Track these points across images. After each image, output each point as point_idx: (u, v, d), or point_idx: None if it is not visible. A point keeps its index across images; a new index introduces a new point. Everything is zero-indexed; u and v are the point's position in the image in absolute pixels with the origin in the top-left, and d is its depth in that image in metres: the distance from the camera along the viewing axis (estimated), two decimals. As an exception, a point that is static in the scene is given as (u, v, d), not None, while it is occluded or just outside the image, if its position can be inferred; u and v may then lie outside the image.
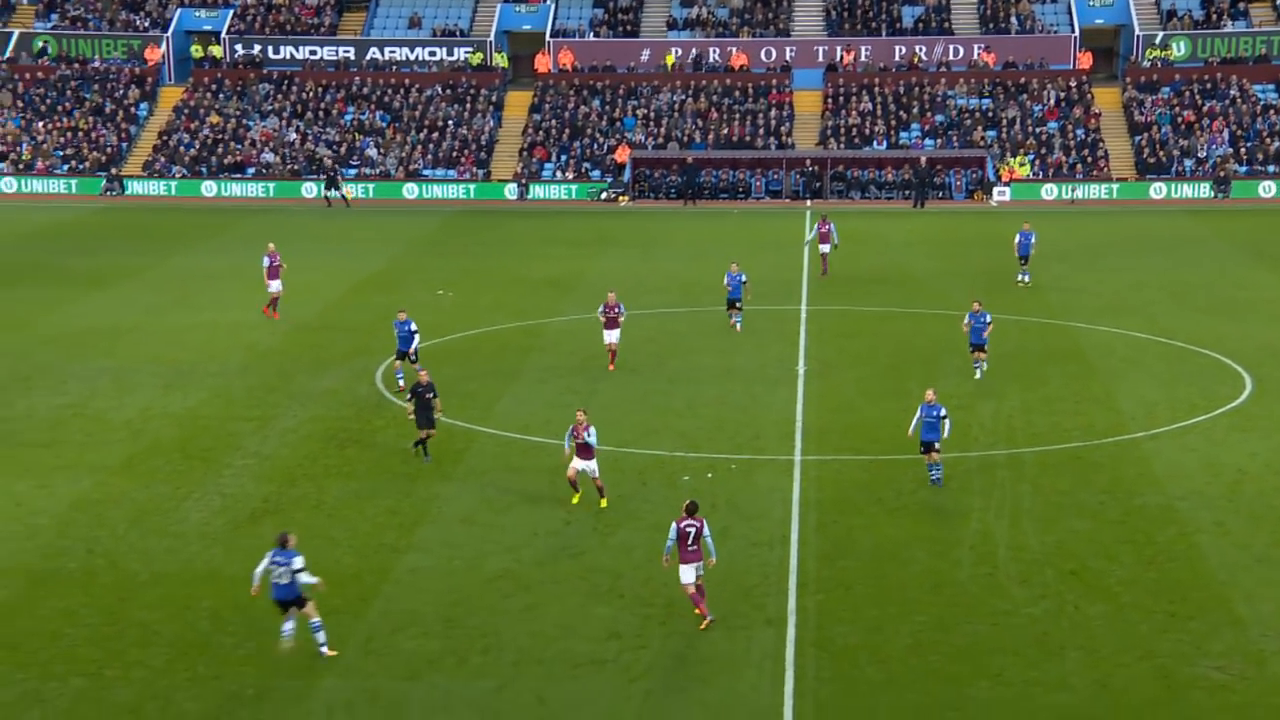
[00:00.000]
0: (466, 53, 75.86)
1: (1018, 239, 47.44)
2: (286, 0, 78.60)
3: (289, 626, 21.16)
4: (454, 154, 70.94)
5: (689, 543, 22.22)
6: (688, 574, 22.33)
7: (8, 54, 75.65)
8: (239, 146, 71.47)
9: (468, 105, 73.63)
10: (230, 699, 20.07)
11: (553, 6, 77.45)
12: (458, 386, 35.17)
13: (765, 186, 69.38)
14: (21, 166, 70.17)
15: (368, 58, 75.98)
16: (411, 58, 76.03)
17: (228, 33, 76.63)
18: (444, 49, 76.12)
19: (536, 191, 68.69)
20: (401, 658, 21.32)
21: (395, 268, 51.41)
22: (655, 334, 40.95)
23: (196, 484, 28.41)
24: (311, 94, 74.28)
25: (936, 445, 27.88)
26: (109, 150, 71.04)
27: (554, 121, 72.44)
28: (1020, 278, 47.21)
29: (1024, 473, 29.05)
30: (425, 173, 70.20)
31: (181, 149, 71.14)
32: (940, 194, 68.29)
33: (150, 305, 44.49)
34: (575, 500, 27.21)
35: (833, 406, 33.47)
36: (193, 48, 76.57)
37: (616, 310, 36.47)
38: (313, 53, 76.18)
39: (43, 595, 23.20)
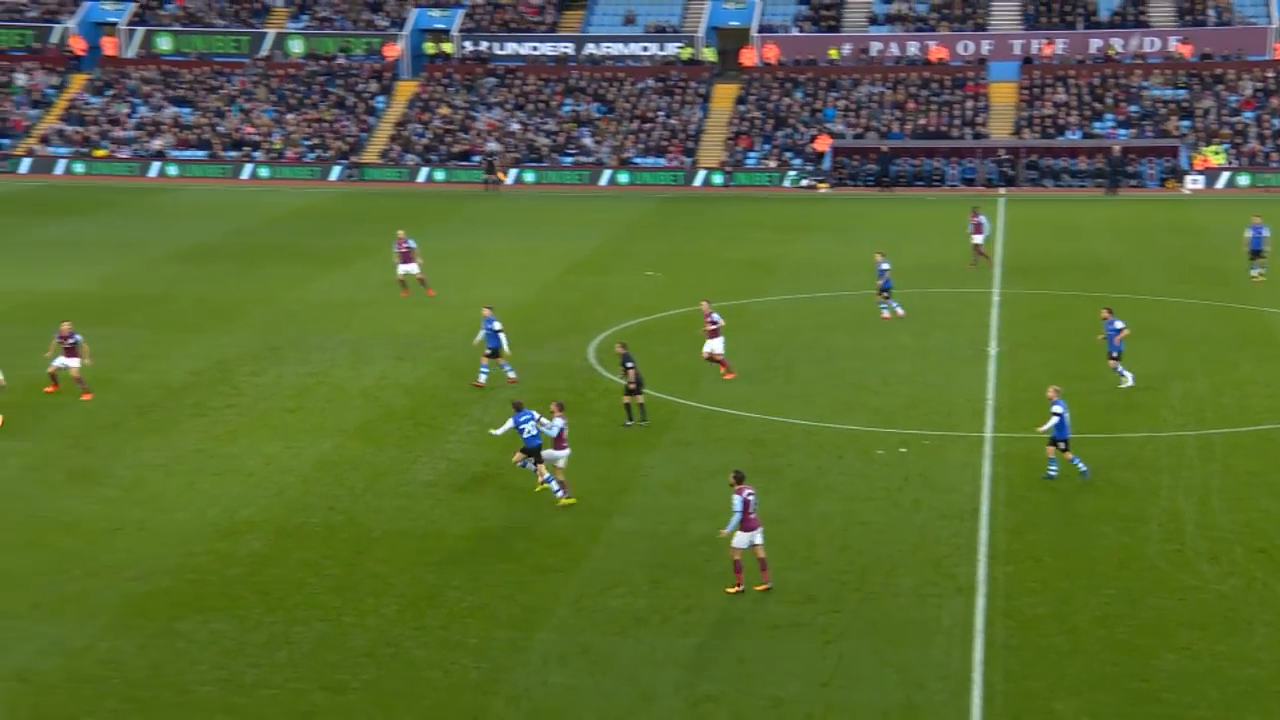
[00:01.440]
0: (677, 48, 75.97)
1: (1248, 233, 43.90)
2: (512, 0, 79.64)
3: (533, 465, 25.39)
4: (663, 143, 71.14)
5: (750, 511, 21.86)
6: (744, 540, 21.86)
7: (263, 52, 78.07)
8: (466, 136, 72.71)
9: (677, 97, 73.76)
10: (454, 648, 20.48)
11: (759, 3, 77.08)
12: (664, 362, 35.29)
13: (960, 174, 68.15)
14: (273, 155, 72.42)
15: (585, 53, 76.62)
16: (626, 53, 76.41)
17: (458, 31, 77.96)
18: (656, 44, 76.35)
19: (740, 178, 68.55)
20: (610, 615, 21.50)
21: (606, 250, 51.79)
22: (851, 314, 40.54)
23: (424, 449, 29.02)
24: (533, 87, 75.18)
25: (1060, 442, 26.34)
26: (350, 140, 72.88)
27: (758, 112, 72.17)
28: (1254, 272, 43.77)
29: (1213, 453, 28.07)
30: (635, 160, 70.53)
31: (414, 138, 72.64)
32: (1133, 182, 66.23)
33: (384, 283, 45.53)
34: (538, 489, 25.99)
35: (1023, 386, 32.75)
36: (426, 45, 78.09)
37: (712, 320, 33.50)
38: (534, 49, 77.10)
39: (290, 547, 23.96)
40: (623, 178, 69.45)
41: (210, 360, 35.58)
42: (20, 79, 76.64)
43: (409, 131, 73.16)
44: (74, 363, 32.30)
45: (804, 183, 67.87)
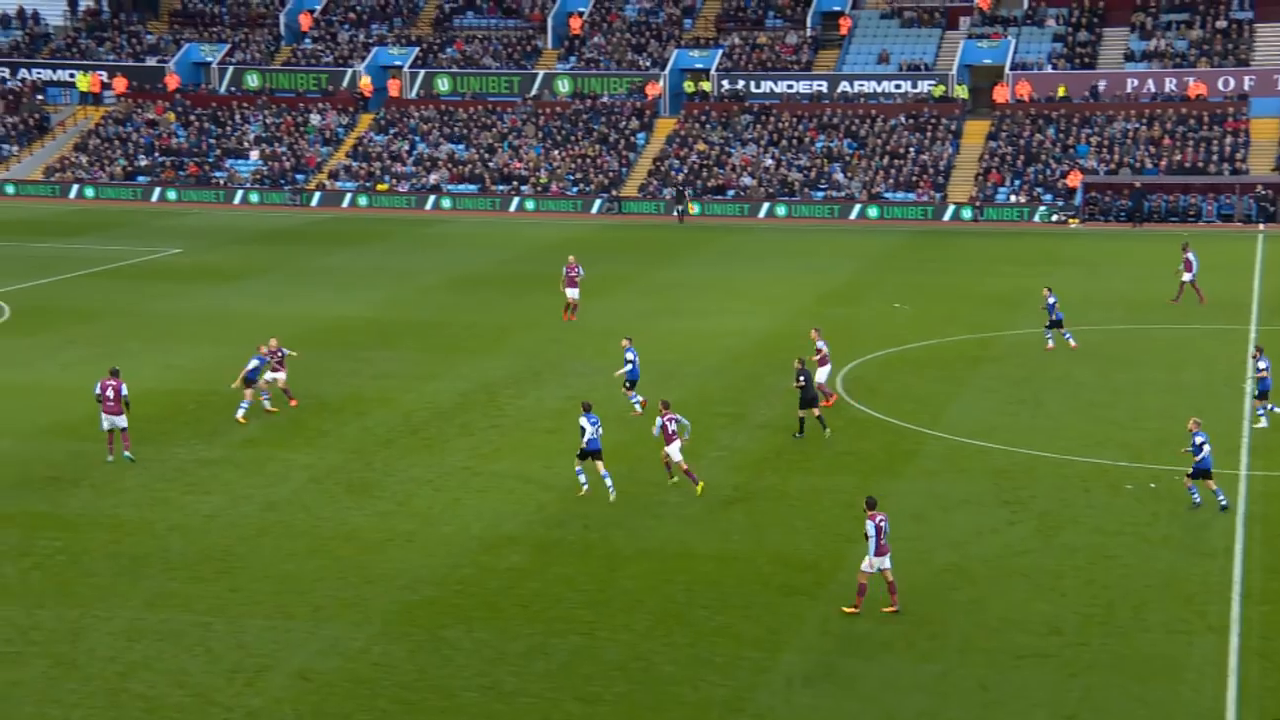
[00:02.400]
0: (930, 85, 74.97)
1: None
2: (769, 41, 79.87)
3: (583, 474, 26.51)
4: (913, 178, 70.22)
5: (881, 537, 21.51)
6: (874, 564, 21.58)
7: (533, 92, 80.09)
8: (721, 171, 73.10)
9: (928, 133, 72.74)
10: (702, 665, 20.49)
11: (1013, 42, 75.53)
12: (911, 392, 34.75)
13: (1216, 210, 65.35)
14: (539, 189, 74.12)
15: (839, 91, 76.26)
16: (879, 90, 75.76)
17: (716, 70, 78.54)
18: (909, 82, 75.49)
19: (990, 213, 67.17)
20: (855, 639, 21.21)
21: (856, 282, 51.32)
22: (1100, 348, 39.25)
23: (676, 471, 29.14)
24: (786, 124, 75.16)
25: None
26: (610, 174, 74.07)
27: (1009, 148, 70.61)
28: None
29: None
30: (886, 195, 69.78)
31: (672, 173, 73.39)
32: (1399, 218, 62.45)
33: (641, 311, 46.04)
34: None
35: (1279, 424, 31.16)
36: (685, 84, 78.88)
37: (819, 348, 32.91)
38: (789, 87, 77.10)
39: (548, 562, 24.36)
40: (872, 212, 68.79)
41: (477, 382, 36.51)
42: (314, 119, 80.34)
43: (666, 166, 73.96)
44: (281, 375, 33.74)
45: (1054, 218, 66.08)
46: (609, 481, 27.12)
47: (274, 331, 40.43)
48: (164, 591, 23.04)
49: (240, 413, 32.59)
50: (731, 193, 71.88)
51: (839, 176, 71.26)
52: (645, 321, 44.13)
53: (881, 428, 32.04)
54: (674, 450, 27.54)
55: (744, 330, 42.46)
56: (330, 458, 30.11)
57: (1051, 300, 38.96)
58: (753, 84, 77.50)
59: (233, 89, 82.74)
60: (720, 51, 79.36)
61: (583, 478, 27.48)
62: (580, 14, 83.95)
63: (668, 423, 27.48)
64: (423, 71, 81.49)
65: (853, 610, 21.81)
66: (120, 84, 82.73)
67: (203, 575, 23.73)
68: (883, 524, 21.74)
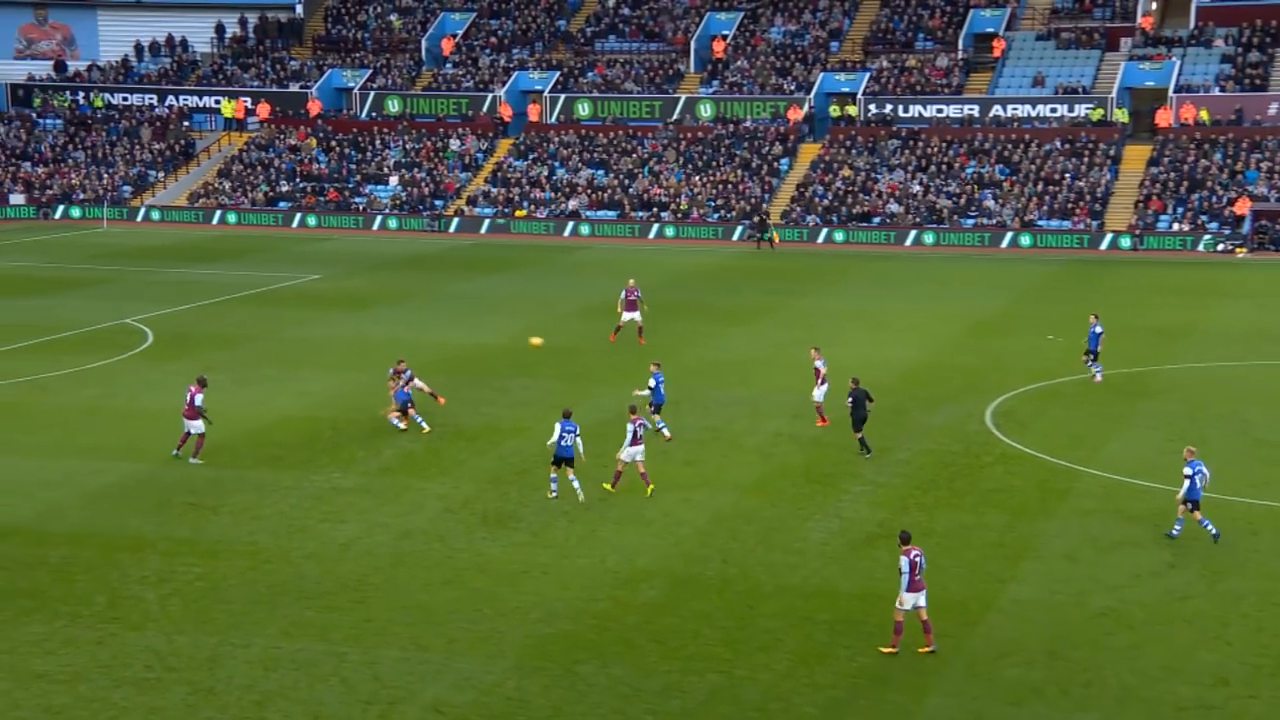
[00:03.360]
0: (1087, 109, 73.74)
1: None
2: (919, 63, 79.32)
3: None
4: (1069, 205, 69.04)
5: (916, 573, 21.47)
6: (909, 601, 21.55)
7: (674, 117, 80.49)
8: (867, 197, 72.66)
9: (1085, 159, 71.50)
10: (844, 708, 20.27)
11: (1178, 63, 74.00)
12: (1064, 427, 34.11)
13: (1395, 238, 63.19)
14: (680, 215, 74.38)
15: (991, 115, 75.38)
16: (1033, 114, 74.74)
17: (863, 94, 78.18)
18: (1065, 105, 74.33)
19: (1150, 242, 65.73)
20: (1005, 684, 20.82)
21: (1007, 313, 50.56)
22: (1270, 385, 38.10)
23: (818, 506, 28.98)
24: (935, 149, 74.48)
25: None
26: (753, 200, 74.05)
27: (1172, 174, 69.09)
28: None
29: None
30: (1039, 223, 68.71)
31: (816, 199, 73.15)
32: None
33: (781, 340, 45.88)
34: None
35: None
36: (831, 108, 78.65)
37: (817, 368, 34.40)
38: (939, 111, 76.43)
39: (685, 597, 24.33)
40: (1025, 240, 67.77)
41: (614, 412, 36.60)
42: (454, 144, 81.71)
43: (810, 193, 73.73)
44: (420, 385, 35.26)
45: (1220, 247, 64.44)
46: (578, 485, 28.91)
47: (411, 358, 41.01)
48: (299, 620, 23.48)
49: (399, 424, 33.89)
50: (877, 220, 71.38)
51: (990, 203, 70.35)
52: (785, 352, 43.95)
53: (1033, 464, 31.48)
54: (638, 452, 29.35)
55: (888, 362, 42.05)
56: (465, 487, 30.46)
57: (1098, 330, 38.58)
58: (901, 108, 76.98)
59: (373, 114, 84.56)
60: (868, 75, 79.00)
61: (555, 485, 29.22)
62: (724, 37, 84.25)
63: (638, 428, 29.31)
64: (563, 96, 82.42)
65: (890, 650, 21.62)
66: (264, 110, 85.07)
67: (338, 605, 24.14)
68: (918, 559, 21.67)
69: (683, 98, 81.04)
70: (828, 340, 44.98)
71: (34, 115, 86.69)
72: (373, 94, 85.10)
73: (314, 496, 29.79)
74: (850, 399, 32.05)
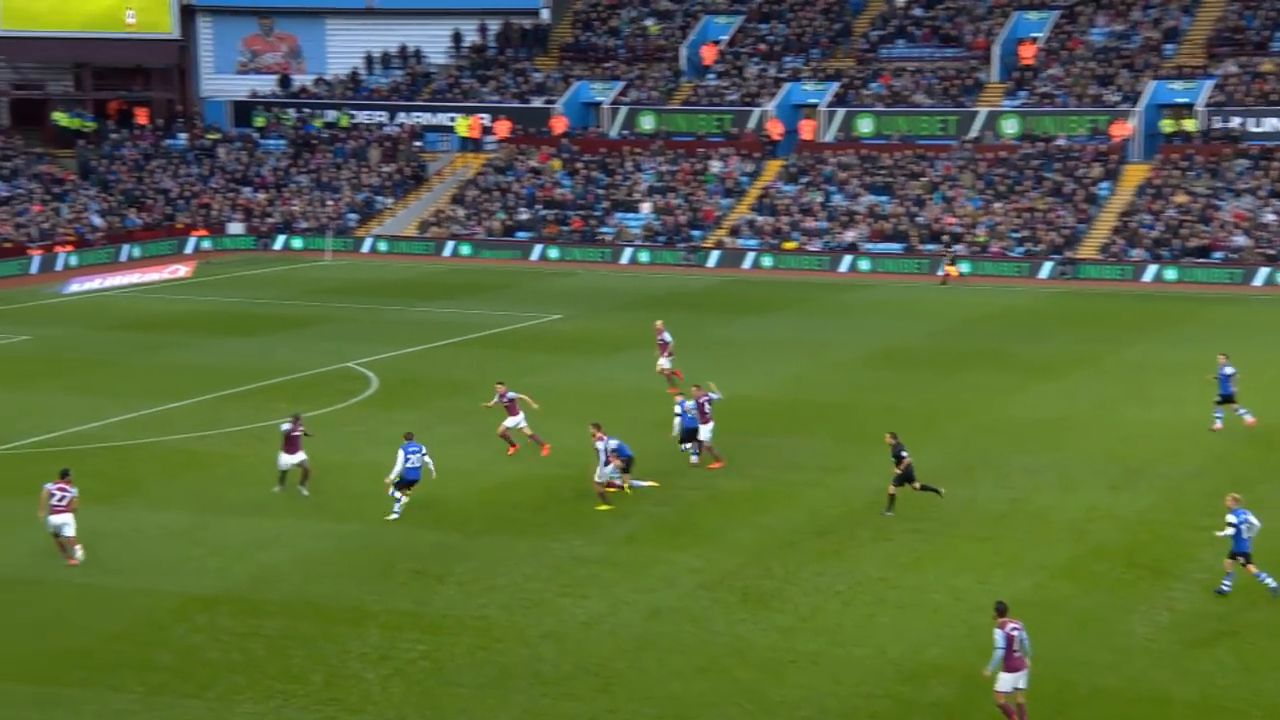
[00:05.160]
0: None
1: None
2: (1276, 69, 76.68)
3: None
4: None
5: (1014, 649, 21.93)
6: (1008, 682, 21.97)
7: (972, 134, 79.68)
8: (1206, 228, 70.54)
9: None
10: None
11: None
12: None
13: None
14: (976, 248, 73.47)
15: (1360, 129, 72.55)
16: None
17: (1204, 105, 76.05)
18: None
19: None
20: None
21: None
22: None
23: (1143, 595, 28.18)
24: (1291, 170, 71.96)
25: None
26: (1065, 232, 72.68)
27: None
28: None
29: None
30: None
31: (1142, 230, 71.37)
32: None
33: (1100, 397, 44.80)
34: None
35: None
36: (1163, 122, 76.74)
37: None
38: (1295, 125, 73.86)
39: (980, 698, 23.71)
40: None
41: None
42: (715, 166, 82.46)
43: (1136, 222, 71.96)
44: (516, 420, 38.01)
45: None
46: (400, 502, 32.79)
47: (656, 410, 41.45)
48: (535, 709, 23.87)
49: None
50: (1219, 255, 69.21)
51: (1361, 235, 67.54)
52: (1104, 410, 42.92)
53: None
54: (611, 470, 33.36)
55: (1231, 423, 40.64)
56: (723, 561, 30.56)
57: (1228, 371, 38.19)
58: (1251, 121, 74.63)
59: (625, 132, 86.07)
60: (1210, 83, 76.89)
61: (398, 507, 32.76)
62: (1034, 40, 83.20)
63: (600, 447, 33.39)
64: (842, 110, 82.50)
65: None
66: (502, 128, 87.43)
67: (578, 692, 24.45)
68: (1015, 633, 21.93)
69: (983, 112, 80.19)
70: (1160, 398, 43.82)
71: (256, 136, 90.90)
72: (624, 109, 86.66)
73: (552, 566, 30.28)
74: (906, 454, 33.38)
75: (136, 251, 78.33)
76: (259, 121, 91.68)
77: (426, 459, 33.29)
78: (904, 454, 33.17)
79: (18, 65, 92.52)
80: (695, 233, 78.59)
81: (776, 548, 31.35)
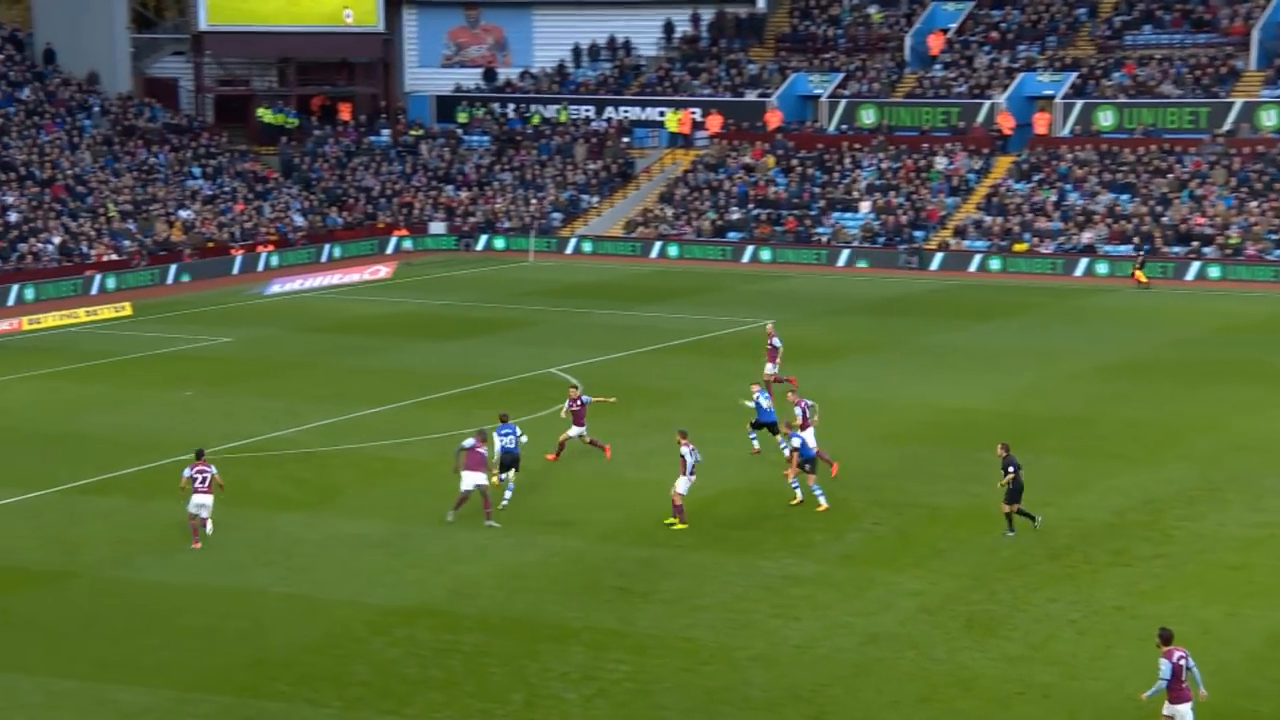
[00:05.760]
0: None
1: None
2: None
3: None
4: None
5: (1181, 678, 21.69)
6: (1178, 711, 21.71)
7: (1226, 126, 77.65)
8: None
9: None
10: None
11: None
12: None
13: None
14: (1229, 252, 71.60)
15: None
16: None
17: None
18: None
19: None
20: None
21: None
22: None
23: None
24: None
25: None
26: (1325, 234, 70.48)
27: None
28: None
29: None
30: None
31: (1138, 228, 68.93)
32: None
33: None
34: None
35: None
36: None
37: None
38: None
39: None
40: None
41: (1137, 498, 35.56)
42: (940, 163, 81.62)
43: (1406, 223, 69.50)
44: (579, 430, 38.41)
45: None
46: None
47: (880, 421, 41.22)
48: (742, 735, 23.82)
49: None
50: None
51: None
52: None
53: None
54: (683, 484, 33.40)
55: None
56: (945, 583, 30.20)
57: None
58: None
59: (844, 127, 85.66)
60: None
61: (508, 493, 34.65)
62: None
63: (687, 455, 33.41)
64: (1080, 102, 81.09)
65: None
66: (714, 123, 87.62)
67: (789, 719, 24.33)
68: (1183, 662, 21.78)
69: (1238, 103, 78.16)
70: None
71: (459, 132, 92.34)
72: (844, 102, 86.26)
73: (762, 586, 30.21)
74: (1014, 469, 32.83)
75: (337, 251, 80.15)
76: (462, 117, 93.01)
77: (521, 438, 35.22)
78: (1012, 468, 32.72)
79: (223, 61, 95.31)
80: (917, 234, 77.89)
81: (1003, 571, 30.88)
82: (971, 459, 38.94)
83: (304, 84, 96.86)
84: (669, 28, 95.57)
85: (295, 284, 70.59)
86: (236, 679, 25.93)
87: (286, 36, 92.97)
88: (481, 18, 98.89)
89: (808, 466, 35.05)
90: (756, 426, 39.41)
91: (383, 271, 74.30)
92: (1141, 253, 71.09)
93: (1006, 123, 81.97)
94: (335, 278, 72.45)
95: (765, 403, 39.40)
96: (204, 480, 32.20)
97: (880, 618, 28.48)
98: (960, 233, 77.00)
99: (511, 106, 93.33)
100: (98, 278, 69.53)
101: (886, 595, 29.62)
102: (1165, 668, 21.93)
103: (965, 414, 44.26)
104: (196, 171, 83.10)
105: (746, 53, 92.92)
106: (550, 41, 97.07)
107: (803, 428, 36.73)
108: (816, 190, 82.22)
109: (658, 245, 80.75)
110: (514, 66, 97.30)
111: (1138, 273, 69.71)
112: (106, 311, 62.49)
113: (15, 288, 66.48)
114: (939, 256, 75.64)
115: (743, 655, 26.82)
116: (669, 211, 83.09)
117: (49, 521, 34.49)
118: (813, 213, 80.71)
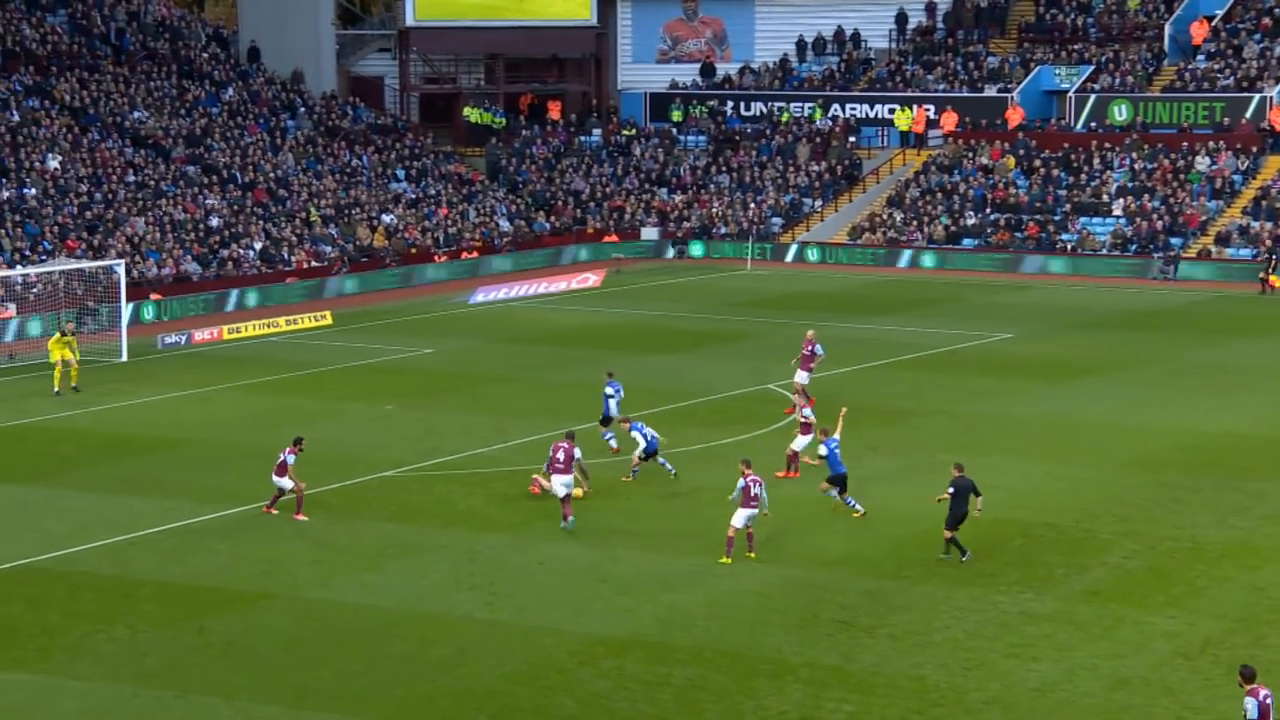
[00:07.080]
0: None
1: None
2: None
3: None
4: None
5: (1268, 718, 21.88)
6: None
7: None
8: None
9: None
10: None
11: None
12: None
13: None
14: None
15: None
16: None
17: None
18: None
19: None
20: None
21: None
22: None
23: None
24: None
25: None
26: None
27: None
28: None
29: None
30: None
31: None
32: None
33: None
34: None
35: None
36: None
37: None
38: None
39: None
40: None
41: None
42: (1201, 163, 79.94)
43: None
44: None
45: None
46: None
47: (1131, 446, 40.50)
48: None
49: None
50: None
51: None
52: None
53: None
54: (743, 517, 32.78)
55: None
56: (1205, 625, 29.54)
57: None
58: None
59: (1093, 124, 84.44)
60: None
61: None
62: None
63: (750, 484, 32.78)
64: (1359, 96, 78.83)
65: None
66: (949, 120, 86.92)
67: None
68: (1268, 700, 21.91)
69: None
70: None
71: (674, 131, 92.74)
72: (1093, 97, 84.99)
73: (998, 623, 29.82)
74: (952, 489, 33.00)
75: (544, 258, 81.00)
76: (675, 115, 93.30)
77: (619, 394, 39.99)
78: (952, 490, 32.97)
79: (430, 58, 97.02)
80: (1174, 240, 76.42)
81: (1272, 613, 30.11)
82: (1236, 489, 38.14)
83: (512, 81, 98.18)
84: (901, 18, 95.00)
85: (500, 292, 71.46)
86: (439, 709, 26.25)
87: (495, 32, 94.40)
88: (700, 10, 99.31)
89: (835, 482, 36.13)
90: (832, 482, 36.18)
91: (592, 279, 74.86)
92: (1273, 256, 69.51)
93: (1278, 119, 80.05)
94: (542, 286, 73.20)
95: (833, 449, 36.29)
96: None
97: (1129, 660, 27.92)
98: (1222, 240, 75.33)
99: (730, 104, 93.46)
100: (298, 285, 71.16)
101: (1137, 636, 29.04)
102: (1253, 707, 22.14)
103: (1230, 439, 43.29)
104: (401, 174, 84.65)
105: (986, 44, 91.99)
106: (773, 34, 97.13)
107: (804, 433, 39.06)
108: (1061, 193, 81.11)
109: (886, 252, 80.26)
110: (734, 61, 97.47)
111: (1273, 278, 68.88)
112: (307, 320, 63.88)
113: (213, 295, 68.25)
114: (1198, 266, 74.10)
115: (976, 698, 26.48)
116: (898, 216, 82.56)
117: (247, 540, 35.29)
118: (1057, 217, 79.62)
